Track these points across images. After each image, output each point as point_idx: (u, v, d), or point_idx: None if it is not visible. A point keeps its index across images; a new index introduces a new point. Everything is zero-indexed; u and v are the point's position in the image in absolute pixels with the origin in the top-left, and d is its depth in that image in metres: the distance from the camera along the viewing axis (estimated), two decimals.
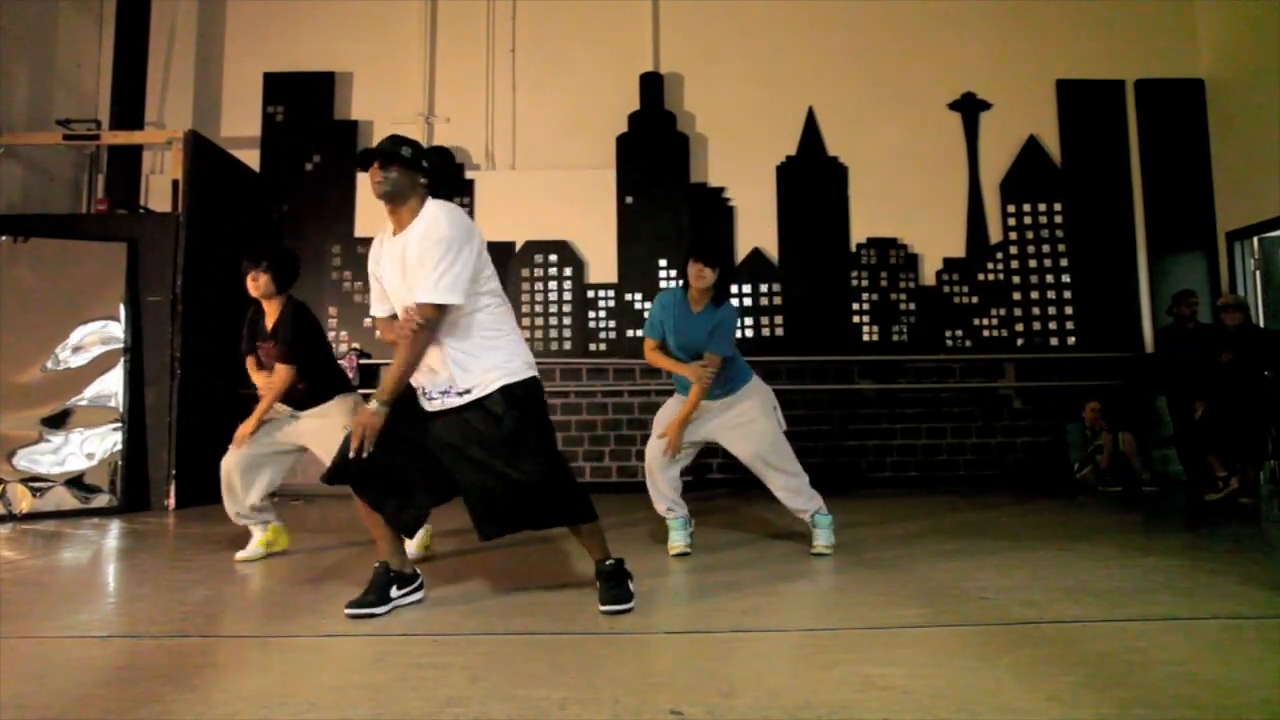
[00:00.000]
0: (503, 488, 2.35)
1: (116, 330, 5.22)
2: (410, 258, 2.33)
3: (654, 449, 3.31)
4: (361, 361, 6.11)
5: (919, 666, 1.84)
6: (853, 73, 6.73)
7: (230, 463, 3.30)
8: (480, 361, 2.37)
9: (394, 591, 2.46)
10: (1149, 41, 6.75)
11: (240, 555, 3.36)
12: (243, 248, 6.11)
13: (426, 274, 2.27)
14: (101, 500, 5.02)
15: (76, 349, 5.11)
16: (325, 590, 2.79)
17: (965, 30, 6.76)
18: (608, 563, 2.48)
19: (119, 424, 5.13)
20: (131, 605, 2.59)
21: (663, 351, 3.32)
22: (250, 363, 3.44)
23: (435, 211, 2.37)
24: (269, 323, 3.36)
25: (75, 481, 4.98)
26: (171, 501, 5.17)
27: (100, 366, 5.15)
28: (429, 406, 2.44)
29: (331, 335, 6.32)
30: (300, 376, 3.28)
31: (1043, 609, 2.33)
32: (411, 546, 3.24)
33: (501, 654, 2.01)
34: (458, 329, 2.36)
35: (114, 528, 4.41)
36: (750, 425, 3.27)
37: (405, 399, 2.43)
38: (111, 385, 5.16)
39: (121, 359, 5.20)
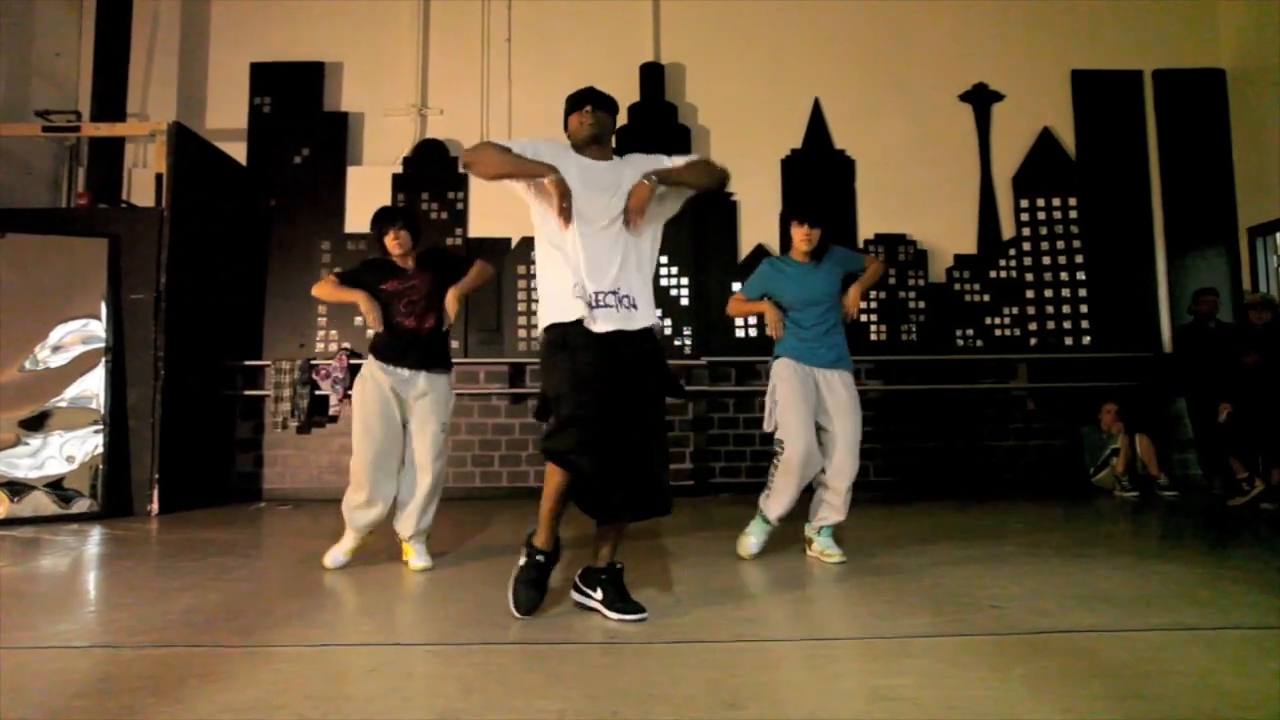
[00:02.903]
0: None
1: (98, 329, 5.22)
2: (638, 167, 2.60)
3: (796, 447, 3.23)
4: (352, 361, 6.10)
5: (928, 677, 1.84)
6: (860, 63, 6.73)
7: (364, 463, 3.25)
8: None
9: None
10: (1168, 30, 6.76)
11: (329, 560, 3.31)
12: (229, 244, 6.20)
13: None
14: (82, 505, 5.01)
15: (56, 348, 5.11)
16: (315, 598, 2.79)
17: (977, 19, 6.76)
18: (617, 565, 2.51)
19: (100, 426, 5.13)
20: (113, 614, 2.58)
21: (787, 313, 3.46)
22: (329, 286, 3.41)
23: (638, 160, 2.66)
24: (407, 265, 3.41)
25: (55, 486, 4.98)
26: (154, 507, 5.17)
27: (81, 367, 5.15)
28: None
29: (321, 333, 6.32)
30: (437, 314, 3.37)
31: (1057, 618, 2.33)
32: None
33: (497, 664, 2.01)
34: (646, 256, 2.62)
35: (95, 534, 4.41)
36: (852, 417, 3.31)
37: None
38: (92, 386, 5.15)
39: (103, 359, 5.20)
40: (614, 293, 2.46)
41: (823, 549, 3.33)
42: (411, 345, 3.33)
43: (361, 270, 3.48)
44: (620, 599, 2.43)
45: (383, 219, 3.41)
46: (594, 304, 2.43)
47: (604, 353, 2.39)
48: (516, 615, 2.44)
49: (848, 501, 3.34)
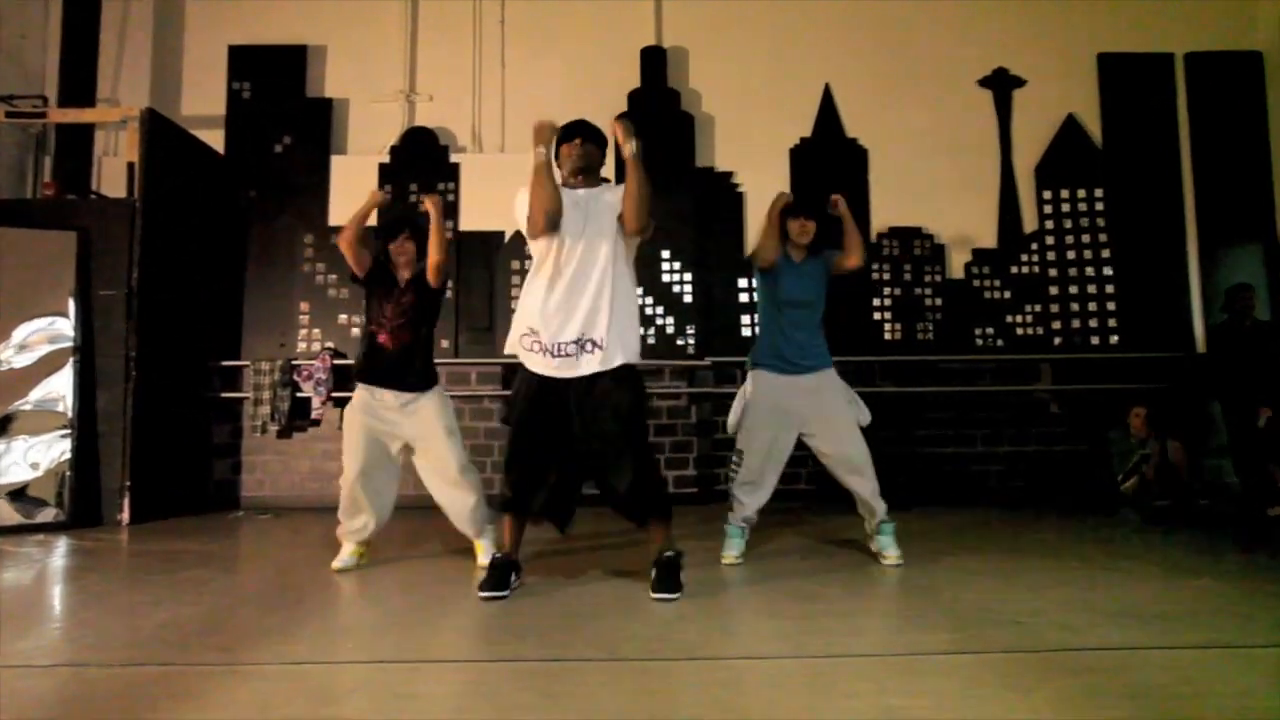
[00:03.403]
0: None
1: (65, 327, 5.22)
2: (608, 199, 2.93)
3: (748, 468, 3.57)
4: (336, 362, 6.10)
5: (946, 697, 1.84)
6: (874, 47, 6.72)
7: (353, 477, 3.47)
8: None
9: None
10: (1200, 10, 6.75)
11: (337, 564, 3.48)
12: (205, 237, 6.19)
13: None
14: (47, 515, 5.00)
15: (21, 348, 5.11)
16: (297, 612, 2.78)
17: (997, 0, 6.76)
18: (665, 554, 2.90)
19: (67, 430, 5.12)
20: (79, 630, 2.58)
21: (773, 309, 3.63)
22: (353, 230, 3.61)
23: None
24: (403, 277, 3.61)
25: (18, 494, 4.97)
26: (125, 516, 5.16)
27: (47, 367, 5.14)
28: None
29: (303, 332, 6.32)
30: (415, 328, 3.55)
31: (1084, 634, 2.33)
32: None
33: (488, 682, 2.00)
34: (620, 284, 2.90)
35: (61, 545, 4.40)
36: (836, 421, 3.49)
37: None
38: (59, 388, 5.15)
39: (71, 359, 5.19)
40: (577, 341, 2.83)
41: (880, 549, 3.50)
42: (385, 364, 3.52)
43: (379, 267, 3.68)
44: (656, 580, 2.83)
45: (392, 225, 3.70)
46: (552, 353, 2.85)
47: (547, 396, 2.87)
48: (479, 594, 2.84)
49: (876, 495, 3.52)
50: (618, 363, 2.84)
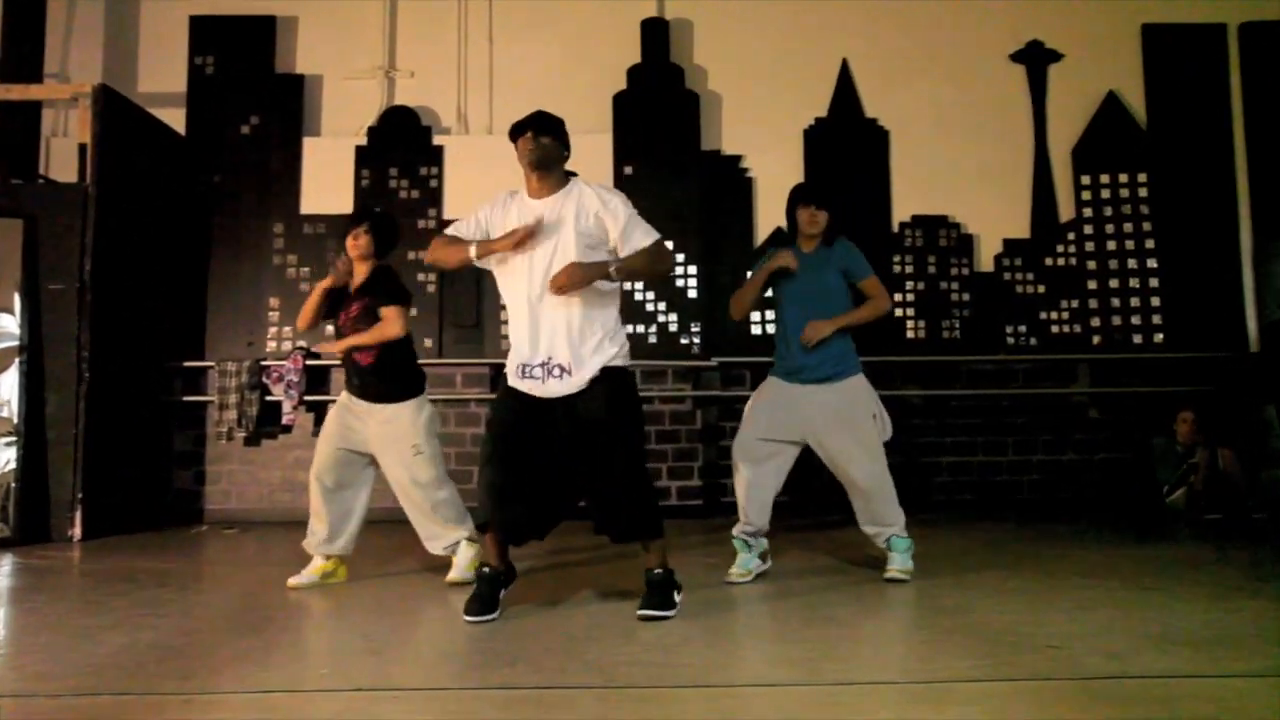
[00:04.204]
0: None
1: (10, 324, 5.22)
2: (584, 222, 2.92)
3: (744, 441, 3.61)
4: (309, 363, 6.10)
5: None
6: (896, 18, 6.72)
7: (319, 472, 3.60)
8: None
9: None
10: None
11: (293, 581, 3.52)
12: (166, 226, 6.19)
13: (634, 227, 2.94)
14: None
15: None
16: (264, 636, 2.78)
17: None
18: (655, 572, 2.93)
19: (12, 438, 5.12)
20: (25, 658, 2.57)
21: (778, 313, 3.70)
22: (309, 313, 3.70)
23: (590, 187, 3.00)
24: (355, 285, 3.68)
25: None
26: (77, 531, 5.16)
27: None
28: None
29: (273, 330, 6.32)
30: (375, 349, 3.59)
31: (1125, 661, 2.32)
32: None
33: (476, 712, 2.00)
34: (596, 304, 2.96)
35: (6, 563, 4.40)
36: (849, 430, 3.48)
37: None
38: (3, 391, 5.14)
39: (16, 360, 5.19)
40: (543, 364, 2.91)
41: (889, 565, 3.50)
42: (352, 376, 3.65)
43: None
44: (645, 597, 2.89)
45: (350, 217, 3.81)
46: (520, 374, 2.95)
47: (526, 408, 2.95)
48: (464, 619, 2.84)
49: (895, 515, 3.53)
50: (590, 377, 2.90)
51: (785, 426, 3.53)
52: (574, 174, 3.05)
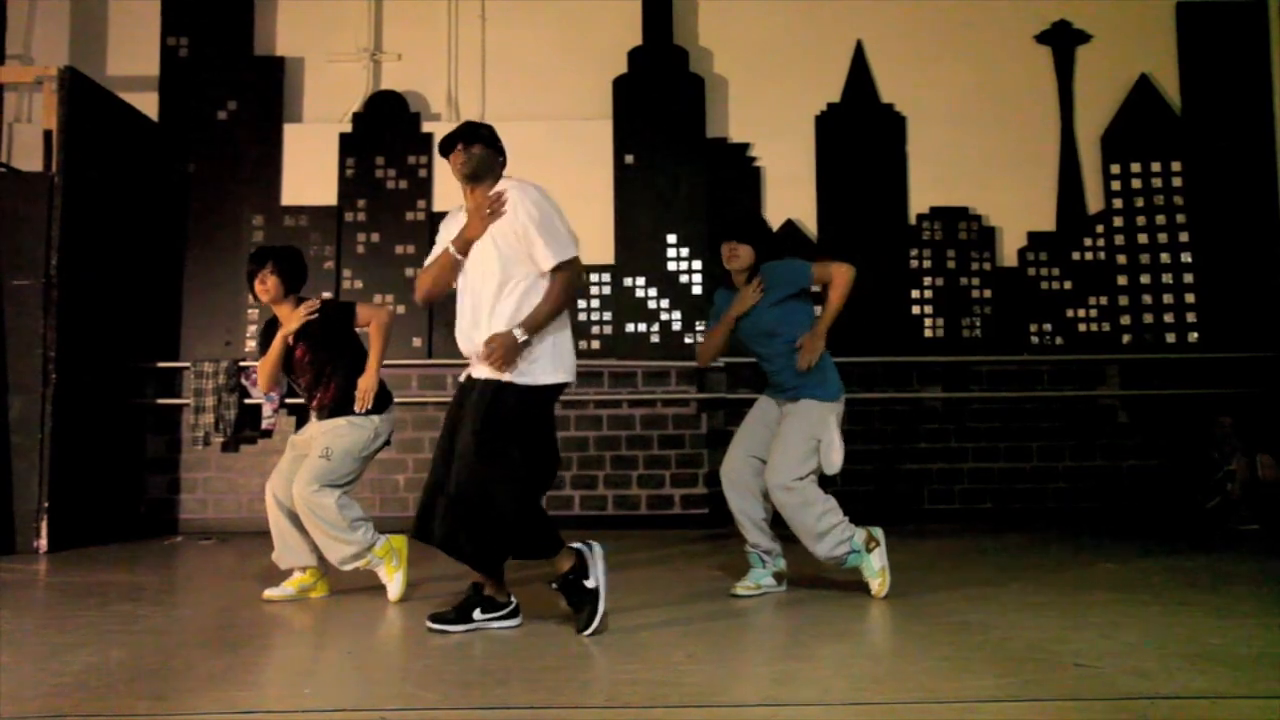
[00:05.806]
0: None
1: None
2: (501, 240, 2.99)
3: (727, 460, 3.71)
4: None
5: None
6: None
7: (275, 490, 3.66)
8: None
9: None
10: None
11: (269, 593, 3.56)
12: (137, 218, 6.19)
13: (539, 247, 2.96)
14: None
15: None
16: (243, 654, 2.78)
17: None
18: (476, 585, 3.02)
19: None
20: None
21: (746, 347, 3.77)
22: (273, 371, 3.73)
23: (516, 190, 3.03)
24: (288, 329, 3.68)
25: None
26: (43, 543, 5.16)
27: None
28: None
29: (252, 329, 6.32)
30: (329, 378, 3.67)
31: (1157, 681, 2.32)
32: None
33: None
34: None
35: None
36: (778, 441, 3.52)
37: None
38: None
39: None
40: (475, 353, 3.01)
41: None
42: (317, 411, 3.73)
43: (265, 331, 3.84)
44: (446, 610, 2.99)
45: (251, 258, 3.78)
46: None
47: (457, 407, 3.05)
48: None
49: (833, 543, 3.40)
50: (483, 375, 2.96)
51: (764, 444, 3.61)
52: (510, 178, 3.12)
